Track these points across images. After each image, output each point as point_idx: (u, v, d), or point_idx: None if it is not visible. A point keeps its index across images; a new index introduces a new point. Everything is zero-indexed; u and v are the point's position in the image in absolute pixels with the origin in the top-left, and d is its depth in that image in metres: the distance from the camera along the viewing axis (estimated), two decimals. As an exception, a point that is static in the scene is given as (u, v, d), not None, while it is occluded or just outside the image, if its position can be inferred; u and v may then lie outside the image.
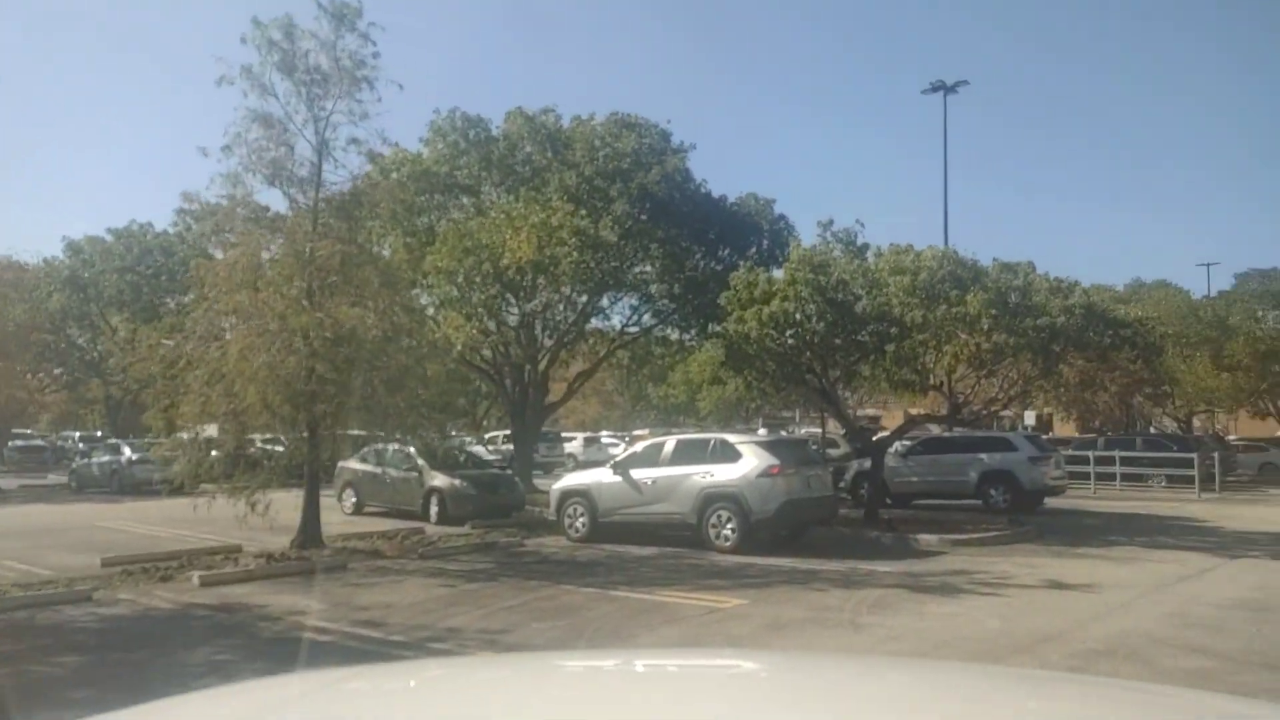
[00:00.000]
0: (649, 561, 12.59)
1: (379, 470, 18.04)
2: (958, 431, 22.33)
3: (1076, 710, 1.81)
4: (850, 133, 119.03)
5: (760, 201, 21.43)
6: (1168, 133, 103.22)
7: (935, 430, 23.65)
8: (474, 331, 16.86)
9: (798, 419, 49.68)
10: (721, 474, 13.38)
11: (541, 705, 1.76)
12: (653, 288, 18.94)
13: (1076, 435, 36.33)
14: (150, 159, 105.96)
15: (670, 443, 14.40)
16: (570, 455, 38.36)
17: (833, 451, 28.68)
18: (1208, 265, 64.03)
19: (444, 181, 18.86)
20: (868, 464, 21.84)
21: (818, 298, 15.51)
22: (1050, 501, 20.91)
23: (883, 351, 16.19)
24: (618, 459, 15.12)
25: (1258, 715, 1.90)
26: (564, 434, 40.85)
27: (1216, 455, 27.54)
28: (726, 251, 19.66)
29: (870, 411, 52.72)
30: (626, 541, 14.08)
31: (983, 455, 20.36)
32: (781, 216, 21.08)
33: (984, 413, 17.25)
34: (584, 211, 17.78)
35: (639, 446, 15.16)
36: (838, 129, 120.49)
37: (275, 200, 13.98)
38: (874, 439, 17.16)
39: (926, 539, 14.21)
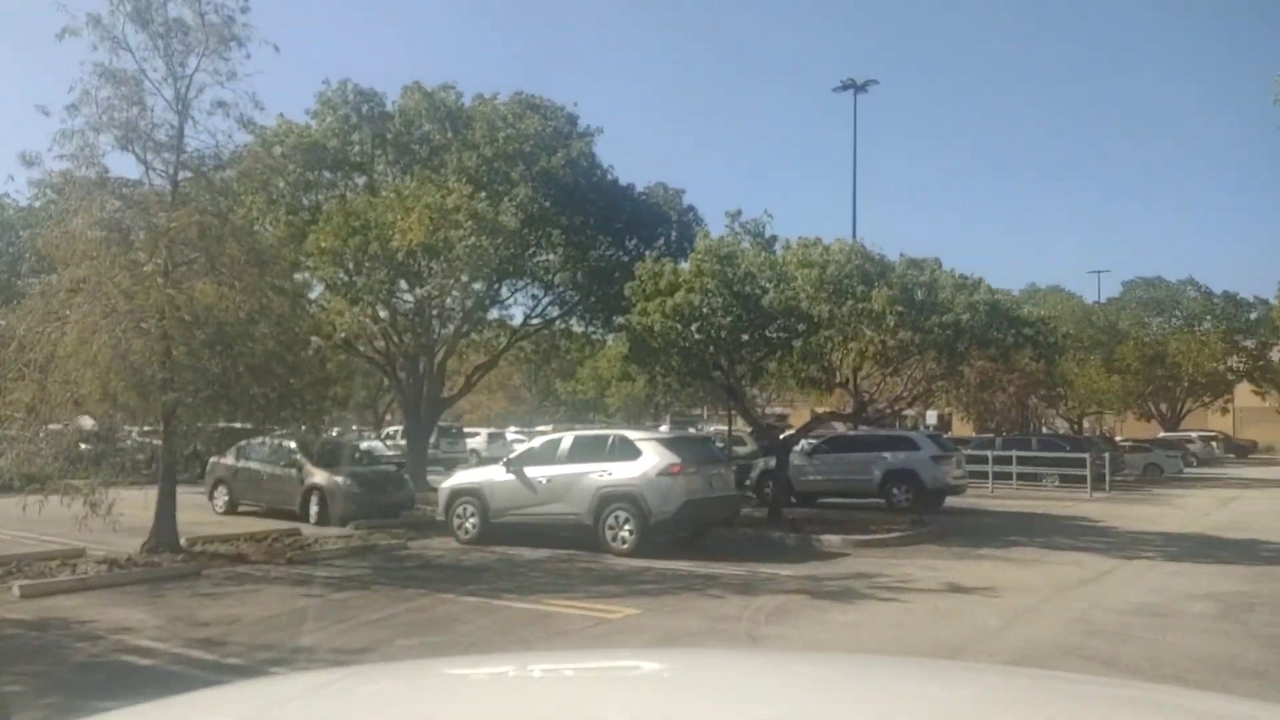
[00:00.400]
0: (540, 566, 11.79)
1: (254, 466, 16.69)
2: (862, 430, 22.31)
3: (1077, 710, 1.79)
4: (763, 128, 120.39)
5: (669, 191, 20.83)
6: (1060, 143, 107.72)
7: (842, 429, 23.60)
8: (361, 318, 15.70)
9: (705, 416, 49.50)
10: (620, 473, 12.68)
11: (542, 705, 1.76)
12: (555, 277, 18.08)
13: (975, 435, 37.14)
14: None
15: (567, 439, 13.61)
16: (474, 451, 37.18)
17: (740, 449, 28.43)
18: (1098, 273, 66.86)
19: (333, 157, 17.60)
20: (773, 462, 21.60)
21: (724, 290, 14.98)
22: (951, 500, 20.98)
23: (790, 347, 15.79)
24: (511, 456, 14.26)
25: (1258, 715, 1.91)
26: (467, 429, 39.53)
27: (1106, 456, 28.34)
28: (634, 242, 18.98)
29: (779, 410, 53.05)
30: (519, 544, 13.24)
31: (886, 454, 20.26)
32: (691, 208, 20.54)
33: (888, 411, 17.01)
34: (484, 195, 16.82)
35: (535, 443, 14.31)
36: (750, 124, 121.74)
37: (129, 167, 12.62)
38: (779, 437, 16.75)
39: (830, 540, 13.82)
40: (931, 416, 31.69)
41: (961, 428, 44.66)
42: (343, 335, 15.36)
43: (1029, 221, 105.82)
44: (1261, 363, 51.47)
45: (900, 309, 13.72)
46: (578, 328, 20.82)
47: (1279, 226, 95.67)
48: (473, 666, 2.67)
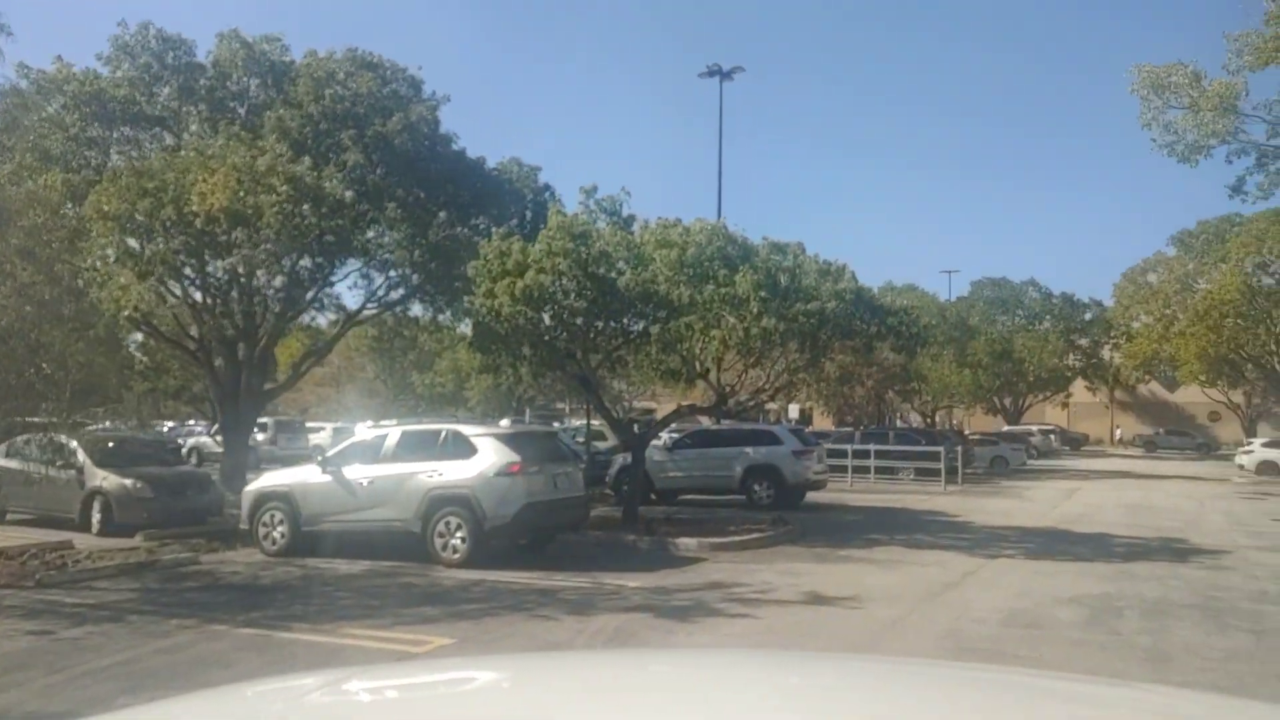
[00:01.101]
0: (352, 583, 10.16)
1: (18, 467, 14.15)
2: (724, 424, 21.57)
3: (1078, 710, 1.80)
4: (631, 112, 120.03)
5: (525, 168, 19.34)
6: (918, 145, 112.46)
7: (707, 423, 22.85)
8: (150, 294, 13.47)
9: (569, 410, 48.21)
10: (452, 472, 11.17)
11: (543, 704, 1.76)
12: (390, 255, 16.27)
13: (835, 429, 37.43)
14: None
15: (394, 435, 11.96)
16: (317, 447, 34.48)
17: (601, 445, 27.30)
18: (949, 273, 69.59)
19: (125, 110, 15.16)
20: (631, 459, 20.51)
21: (577, 271, 13.68)
22: (812, 495, 20.48)
23: (647, 335, 14.67)
24: (328, 454, 12.48)
25: (1258, 715, 1.91)
26: (311, 424, 36.69)
27: (959, 449, 28.82)
28: (482, 220, 17.39)
29: (646, 404, 52.35)
30: (338, 555, 11.52)
31: (748, 449, 19.53)
32: (547, 186, 19.11)
33: (750, 404, 16.17)
34: (307, 160, 14.87)
35: (357, 439, 12.56)
36: (618, 106, 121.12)
37: None
38: (635, 431, 15.64)
39: (686, 543, 12.76)
40: (794, 410, 31.51)
41: (822, 421, 45.22)
42: (127, 314, 13.11)
43: (886, 220, 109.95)
44: (1094, 360, 54.74)
45: (764, 294, 12.81)
46: (420, 313, 19.02)
47: (1113, 232, 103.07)
48: (473, 666, 2.76)
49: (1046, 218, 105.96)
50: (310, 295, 16.31)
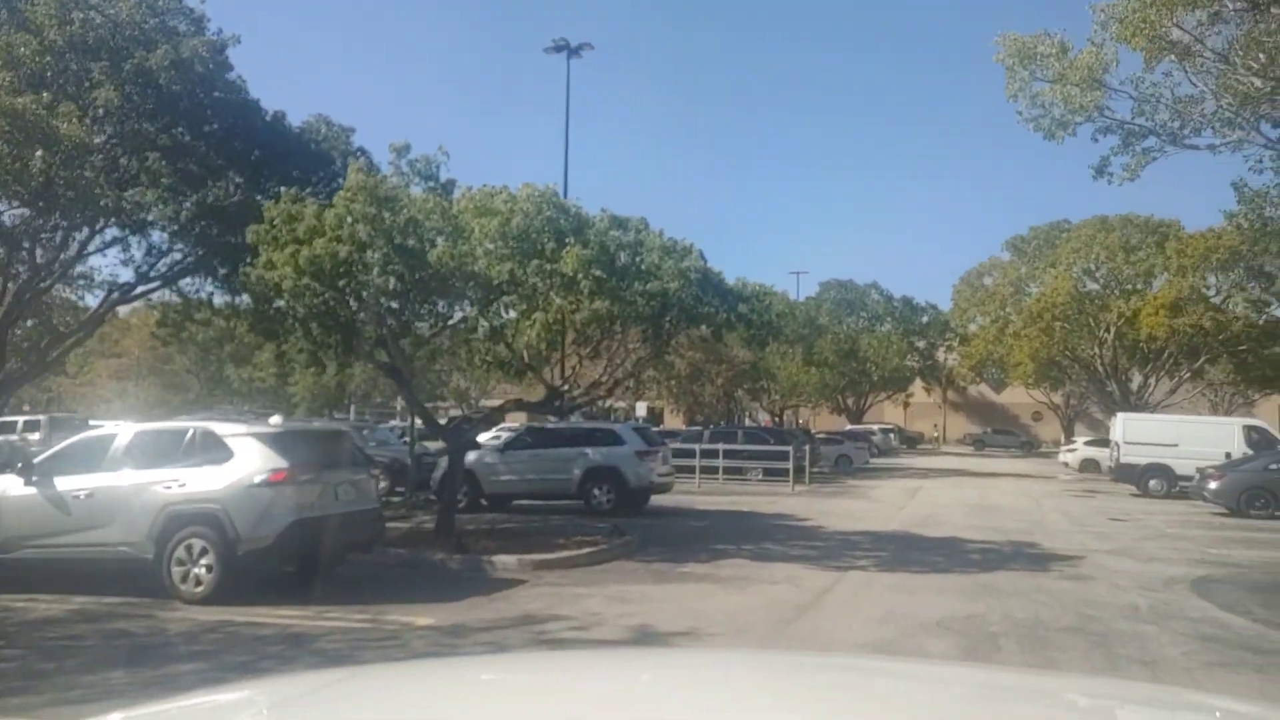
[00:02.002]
0: (39, 631, 7.66)
1: None
2: (561, 422, 19.81)
3: (1079, 710, 1.81)
4: (476, 83, 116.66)
5: (335, 128, 16.91)
6: (768, 147, 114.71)
7: (555, 421, 21.02)
8: None
9: (400, 407, 45.17)
10: (197, 482, 8.79)
11: (543, 704, 1.77)
12: (151, 213, 13.42)
13: (685, 428, 36.45)
14: None
15: (124, 435, 9.38)
16: (10, 445, 30.06)
17: (431, 445, 24.98)
18: (798, 274, 70.60)
19: None
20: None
21: (382, 241, 11.51)
22: (657, 499, 19.02)
23: (474, 320, 12.68)
24: (38, 459, 9.75)
25: (1258, 715, 1.92)
26: (93, 421, 32.11)
27: (807, 448, 28.24)
28: (277, 184, 14.81)
29: (493, 403, 49.82)
30: (47, 589, 8.90)
31: (587, 450, 17.83)
32: (362, 150, 16.72)
33: (585, 400, 14.42)
34: (46, 94, 11.97)
35: (74, 441, 9.85)
36: (461, 78, 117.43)
37: None
38: (454, 431, 13.60)
39: (505, 562, 10.85)
40: (641, 409, 30.15)
41: (674, 420, 44.32)
42: None
43: (738, 220, 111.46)
44: (930, 362, 56.62)
45: (598, 273, 11.06)
46: (192, 289, 16.13)
47: (950, 237, 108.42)
48: (473, 666, 2.78)
49: (893, 222, 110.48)
50: (50, 262, 13.26)
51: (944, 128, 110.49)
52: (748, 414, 48.58)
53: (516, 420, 25.47)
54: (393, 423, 36.33)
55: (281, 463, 8.81)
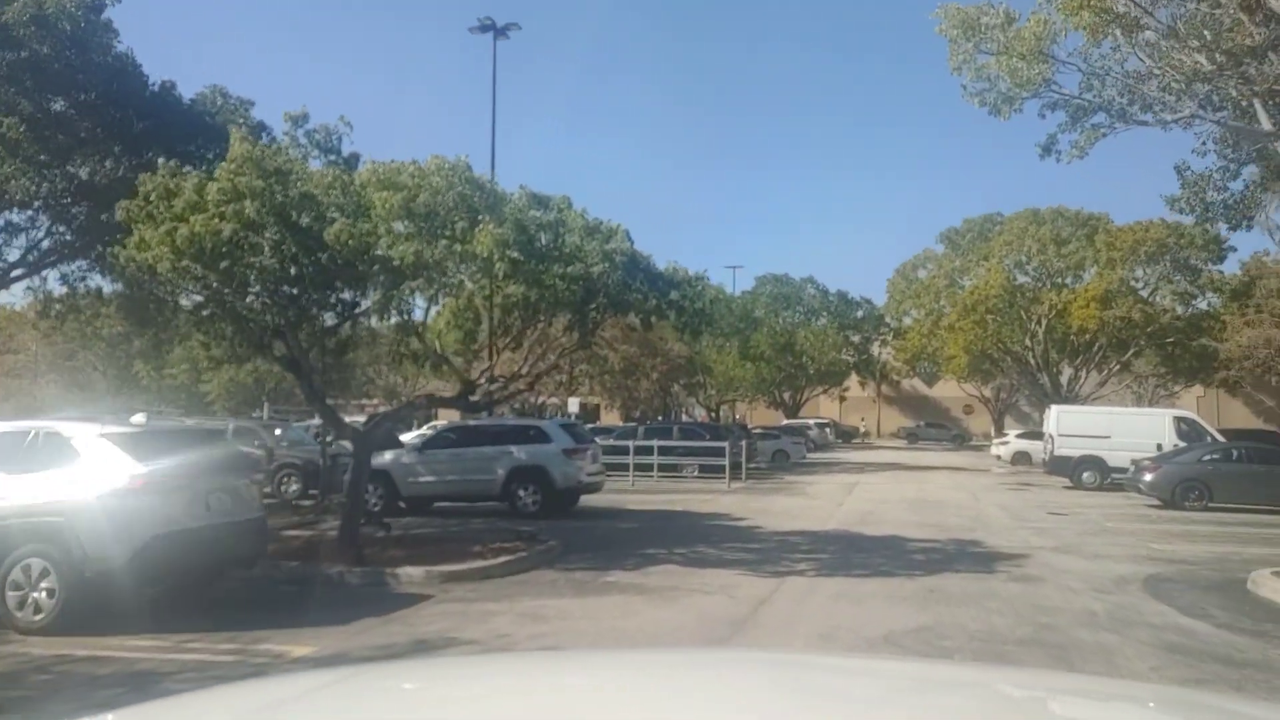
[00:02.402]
0: None
1: None
2: (486, 420, 18.71)
3: (1080, 710, 1.82)
4: (400, 63, 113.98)
5: (232, 101, 15.51)
6: (706, 142, 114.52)
7: (482, 418, 19.85)
8: None
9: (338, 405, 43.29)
10: (37, 492, 7.53)
11: (544, 704, 1.78)
12: (11, 186, 11.86)
13: (622, 424, 35.56)
14: None
15: (-49, 439, 8.05)
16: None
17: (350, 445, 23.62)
18: (734, 268, 70.26)
19: None
20: (382, 459, 17.16)
21: (274, 219, 10.31)
22: (588, 499, 18.08)
23: (383, 306, 11.50)
24: None
25: (1258, 715, 1.91)
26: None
27: (743, 444, 27.59)
28: (164, 157, 13.40)
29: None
30: None
31: (512, 448, 16.77)
32: (263, 126, 15.32)
33: (504, 393, 13.36)
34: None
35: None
36: (385, 57, 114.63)
37: None
38: (363, 431, 12.41)
39: (410, 574, 9.77)
40: (574, 404, 29.13)
41: (610, 417, 43.40)
42: None
43: (672, 213, 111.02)
44: (865, 356, 56.78)
45: (515, 254, 10.04)
46: (76, 276, 14.57)
47: (886, 232, 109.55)
48: (473, 665, 2.75)
49: (829, 217, 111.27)
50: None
51: (880, 121, 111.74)
52: (684, 410, 47.93)
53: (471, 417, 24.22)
54: (310, 421, 34.65)
55: (139, 468, 7.58)
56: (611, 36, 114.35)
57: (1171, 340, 31.57)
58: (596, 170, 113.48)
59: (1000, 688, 1.98)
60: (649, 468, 25.57)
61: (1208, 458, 19.62)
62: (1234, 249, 31.14)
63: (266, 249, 10.41)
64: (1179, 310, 31.56)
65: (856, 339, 55.91)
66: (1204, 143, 12.51)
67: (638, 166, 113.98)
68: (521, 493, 16.46)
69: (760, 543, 13.31)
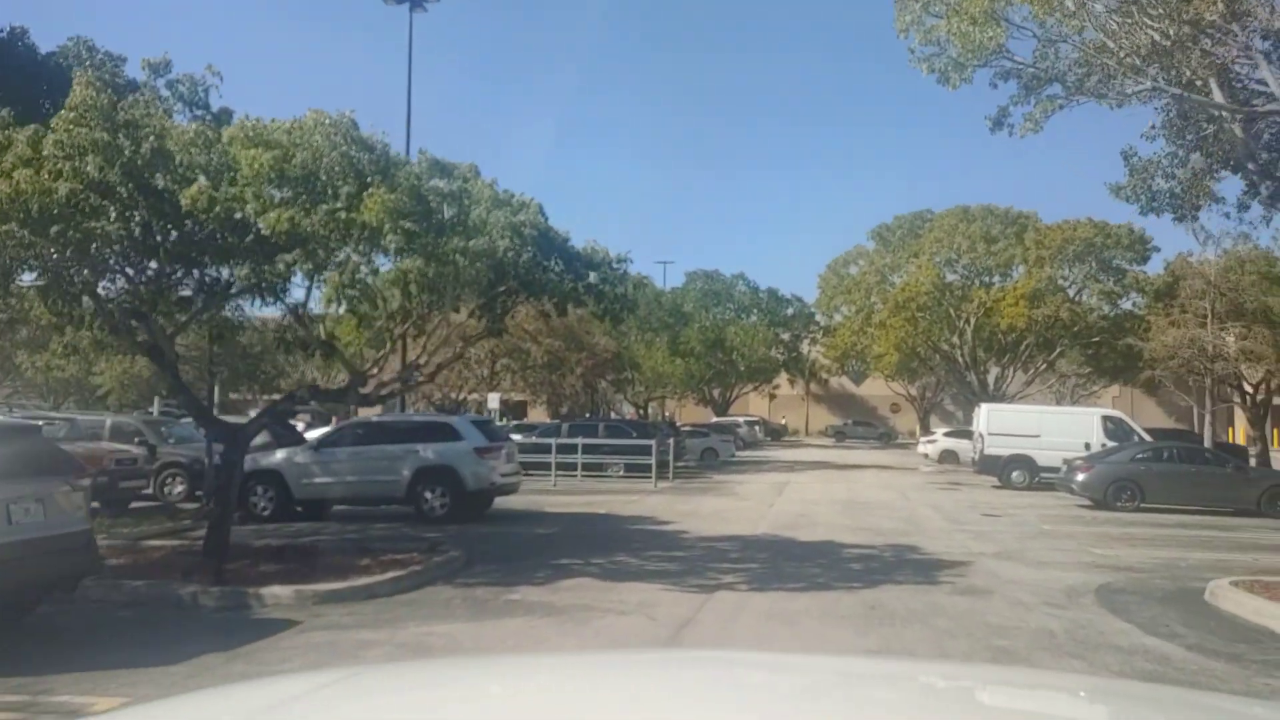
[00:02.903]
0: None
1: None
2: (393, 416, 17.26)
3: (1081, 710, 1.83)
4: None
5: (100, 56, 13.72)
6: (634, 134, 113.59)
7: (421, 413, 18.33)
8: None
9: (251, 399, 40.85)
10: None
11: (544, 703, 1.78)
12: None
13: (550, 421, 34.22)
14: None
15: None
16: None
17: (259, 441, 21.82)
18: (664, 263, 69.48)
19: None
20: (275, 458, 15.58)
21: (122, 179, 8.78)
22: (504, 502, 16.80)
23: (246, 284, 10.02)
24: None
25: (1258, 715, 1.93)
26: None
27: (671, 442, 26.60)
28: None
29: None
30: None
31: (418, 447, 15.36)
32: (134, 84, 13.57)
33: (399, 386, 12.00)
34: None
35: None
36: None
37: None
38: (231, 427, 10.93)
39: (277, 595, 8.37)
40: (494, 400, 27.70)
41: (538, 414, 42.01)
42: None
43: (606, 207, 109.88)
44: (795, 354, 56.53)
45: (409, 225, 8.73)
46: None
47: (817, 231, 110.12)
48: (473, 666, 2.74)
49: (761, 214, 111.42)
50: None
51: (812, 119, 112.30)
52: (612, 407, 46.84)
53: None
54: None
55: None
56: (534, 27, 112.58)
57: (1097, 339, 31.73)
58: (524, 161, 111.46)
59: (1007, 690, 1.95)
60: (573, 467, 24.41)
61: (1139, 458, 19.33)
62: (1158, 249, 31.70)
63: (112, 213, 8.89)
64: (1105, 310, 31.75)
65: (786, 337, 55.65)
66: (1153, 126, 11.91)
67: (567, 160, 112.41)
68: (428, 495, 15.08)
69: (686, 550, 12.24)
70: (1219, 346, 24.93)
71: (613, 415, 43.28)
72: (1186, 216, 13.00)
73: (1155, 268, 32.05)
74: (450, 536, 13.20)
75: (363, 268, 9.21)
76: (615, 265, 10.67)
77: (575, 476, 24.26)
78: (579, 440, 25.29)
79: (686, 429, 39.67)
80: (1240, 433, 54.13)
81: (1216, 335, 25.50)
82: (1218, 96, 10.34)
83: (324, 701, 1.75)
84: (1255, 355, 24.76)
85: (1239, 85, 10.74)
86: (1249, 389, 31.92)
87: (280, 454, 15.67)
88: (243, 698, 1.89)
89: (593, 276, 10.73)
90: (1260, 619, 8.03)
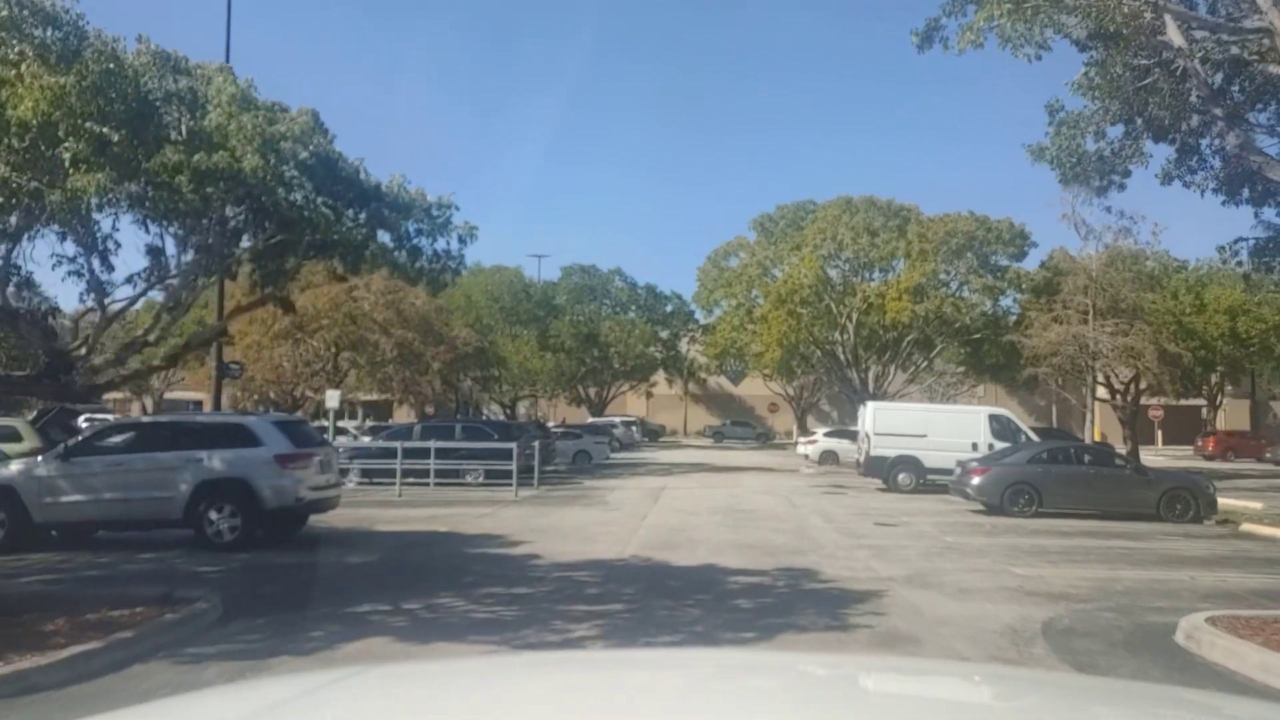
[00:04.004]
0: None
1: None
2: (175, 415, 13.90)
3: (1080, 710, 1.78)
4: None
5: None
6: (509, 123, 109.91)
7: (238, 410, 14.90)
8: None
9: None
10: None
11: (544, 703, 1.77)
12: None
13: (417, 421, 30.86)
14: None
15: None
16: None
17: (17, 446, 17.89)
18: (538, 257, 66.58)
19: None
20: (40, 470, 12.07)
21: None
22: (325, 519, 13.79)
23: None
24: None
25: (1259, 715, 1.93)
26: None
27: (536, 444, 23.91)
28: None
29: (190, 393, 41.06)
30: None
31: (203, 454, 12.17)
32: None
33: (119, 376, 8.90)
34: None
35: None
36: None
37: None
38: None
39: None
40: (333, 398, 24.23)
41: (406, 416, 38.40)
42: None
43: (480, 204, 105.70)
44: (673, 352, 54.82)
45: (97, 126, 5.80)
46: None
47: (692, 227, 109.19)
48: (473, 666, 2.72)
49: (637, 211, 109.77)
50: None
51: (690, 112, 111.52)
52: (480, 407, 43.65)
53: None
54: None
55: None
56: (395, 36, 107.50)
57: (978, 335, 31.04)
58: (390, 140, 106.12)
59: (1004, 690, 1.95)
60: (427, 474, 21.44)
61: (1038, 459, 17.99)
62: (1036, 244, 31.27)
63: None
64: (986, 305, 31.09)
65: (665, 335, 53.84)
66: (1086, 74, 10.14)
67: (444, 146, 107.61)
68: (214, 516, 11.95)
69: (533, 584, 9.65)
70: (1098, 343, 24.25)
71: (486, 415, 40.18)
72: (1112, 185, 11.36)
73: (1032, 264, 31.71)
74: (232, 571, 10.27)
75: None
76: (436, 212, 7.99)
77: (428, 485, 21.32)
78: (432, 444, 22.28)
79: (559, 430, 37.12)
80: (1095, 431, 56.03)
81: (1098, 331, 24.86)
82: (1172, 33, 8.60)
83: (324, 702, 1.75)
84: (1136, 352, 24.17)
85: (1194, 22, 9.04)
86: (1119, 387, 31.96)
87: (15, 466, 12.20)
88: (242, 698, 1.87)
89: (409, 226, 8.01)
90: (1269, 677, 6.13)
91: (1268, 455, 41.95)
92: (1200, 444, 46.19)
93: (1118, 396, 31.91)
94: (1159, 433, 50.27)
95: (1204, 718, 1.75)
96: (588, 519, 15.92)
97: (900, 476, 23.41)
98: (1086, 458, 17.99)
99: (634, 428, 49.51)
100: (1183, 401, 41.77)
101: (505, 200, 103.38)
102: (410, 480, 21.38)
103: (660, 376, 54.30)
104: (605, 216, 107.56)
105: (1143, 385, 31.79)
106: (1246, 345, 31.98)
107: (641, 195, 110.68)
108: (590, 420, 45.04)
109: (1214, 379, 35.92)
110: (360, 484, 22.38)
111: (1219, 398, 42.52)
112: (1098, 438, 41.56)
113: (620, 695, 1.76)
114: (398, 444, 21.67)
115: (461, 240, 7.59)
